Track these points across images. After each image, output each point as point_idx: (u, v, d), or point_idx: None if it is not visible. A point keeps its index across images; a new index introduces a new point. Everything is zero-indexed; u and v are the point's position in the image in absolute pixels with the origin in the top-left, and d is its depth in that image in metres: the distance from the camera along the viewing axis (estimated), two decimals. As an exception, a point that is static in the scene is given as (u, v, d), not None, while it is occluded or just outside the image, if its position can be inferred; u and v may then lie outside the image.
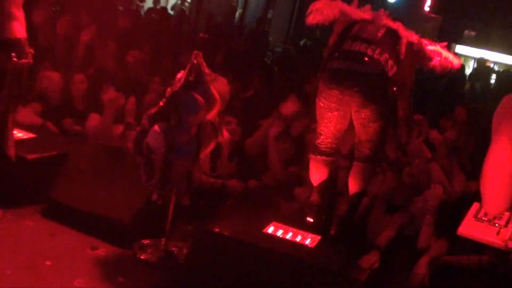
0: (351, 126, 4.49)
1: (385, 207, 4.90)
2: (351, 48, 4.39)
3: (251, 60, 10.62)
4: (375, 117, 4.34)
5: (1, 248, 4.52)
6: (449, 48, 18.97)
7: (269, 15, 19.97)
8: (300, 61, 11.63)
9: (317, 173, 4.64)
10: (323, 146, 4.55)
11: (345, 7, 4.62)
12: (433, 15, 15.23)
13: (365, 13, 4.60)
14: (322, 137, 4.54)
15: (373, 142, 4.48)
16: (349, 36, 4.49)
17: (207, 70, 4.63)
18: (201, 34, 11.66)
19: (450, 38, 18.43)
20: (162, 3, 18.16)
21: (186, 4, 18.55)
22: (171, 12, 17.29)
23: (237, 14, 18.01)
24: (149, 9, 16.28)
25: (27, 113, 5.96)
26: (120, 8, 14.40)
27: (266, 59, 14.01)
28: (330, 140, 4.53)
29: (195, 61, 4.54)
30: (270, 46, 16.31)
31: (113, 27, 9.34)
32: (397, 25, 4.52)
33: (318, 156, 4.58)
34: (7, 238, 4.67)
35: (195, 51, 4.60)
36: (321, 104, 4.45)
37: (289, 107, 6.07)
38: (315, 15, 4.63)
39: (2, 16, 4.40)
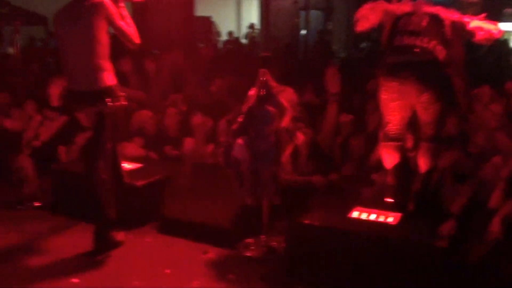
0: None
1: (454, 178, 4.78)
2: (402, 43, 4.38)
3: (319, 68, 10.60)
4: (434, 100, 4.31)
5: (127, 264, 4.68)
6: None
7: (329, 27, 19.88)
8: (362, 62, 11.54)
9: (389, 158, 4.62)
10: (391, 133, 4.54)
11: (387, 6, 4.56)
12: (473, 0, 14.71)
13: (405, 6, 4.52)
14: (389, 125, 4.53)
15: (435, 123, 4.43)
16: (397, 31, 4.45)
17: (274, 84, 4.67)
18: (263, 53, 11.75)
19: (492, 17, 17.90)
20: (236, 34, 18.41)
21: (256, 30, 18.68)
22: (244, 41, 17.50)
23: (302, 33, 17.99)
24: (226, 41, 16.55)
25: (131, 147, 6.17)
26: (201, 45, 14.74)
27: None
28: (396, 127, 4.51)
29: (263, 78, 4.60)
30: (336, 54, 16.22)
31: (197, 61, 9.54)
32: (436, 9, 4.44)
33: (389, 142, 4.57)
34: (131, 254, 4.83)
35: (262, 69, 4.66)
36: (384, 96, 4.47)
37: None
38: (362, 23, 4.60)
39: (93, 70, 4.59)
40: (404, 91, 4.33)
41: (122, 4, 4.74)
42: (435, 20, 4.39)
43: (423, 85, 4.26)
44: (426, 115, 4.41)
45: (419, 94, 4.29)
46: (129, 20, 4.73)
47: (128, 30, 4.68)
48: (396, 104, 4.41)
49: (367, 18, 4.57)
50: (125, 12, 4.76)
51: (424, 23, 4.38)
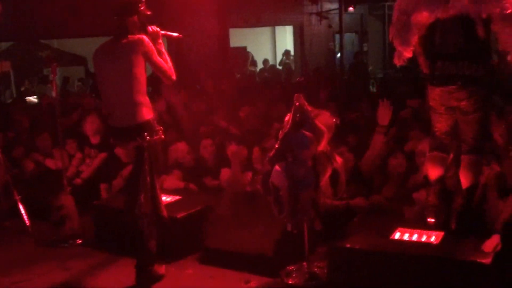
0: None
1: (497, 193, 4.68)
2: (444, 73, 4.32)
3: (356, 90, 10.62)
4: (473, 108, 4.26)
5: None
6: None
7: (365, 48, 19.85)
8: (401, 80, 11.49)
9: (433, 170, 4.57)
10: (437, 142, 4.51)
11: (415, 19, 4.44)
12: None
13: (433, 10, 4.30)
14: (437, 133, 4.52)
15: (476, 132, 4.36)
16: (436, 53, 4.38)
17: (309, 108, 4.66)
18: (298, 79, 11.81)
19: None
20: (271, 62, 18.53)
21: (291, 57, 18.77)
22: (280, 67, 17.60)
23: (337, 56, 18.00)
24: (261, 70, 16.69)
25: (171, 180, 6.23)
26: (238, 75, 14.89)
27: (370, 86, 13.93)
28: (443, 136, 4.49)
29: (297, 103, 4.59)
30: (372, 75, 16.19)
31: (232, 91, 9.64)
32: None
33: (434, 152, 4.54)
34: (173, 287, 4.84)
35: (296, 94, 4.66)
36: (432, 104, 4.48)
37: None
38: (402, 55, 4.54)
39: (132, 105, 4.67)
40: (448, 99, 4.31)
41: (160, 41, 4.82)
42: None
43: (464, 93, 4.23)
44: (466, 124, 4.36)
45: (460, 102, 4.27)
46: (167, 56, 4.81)
47: (165, 66, 4.74)
48: (443, 112, 4.41)
49: (405, 41, 4.49)
50: (163, 48, 4.83)
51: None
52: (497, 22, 4.03)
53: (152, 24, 4.79)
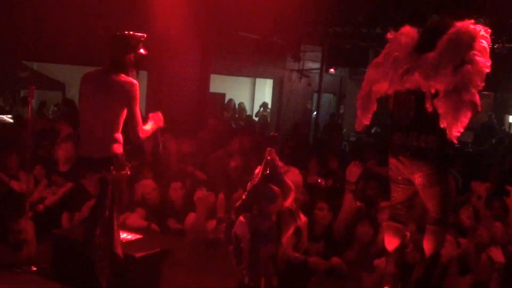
0: None
1: (458, 269, 4.74)
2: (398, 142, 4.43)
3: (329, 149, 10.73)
4: (428, 182, 4.31)
5: None
6: (502, 118, 18.77)
7: (341, 110, 20.14)
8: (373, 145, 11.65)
9: (390, 239, 4.62)
10: (393, 212, 4.59)
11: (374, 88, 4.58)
12: (485, 92, 15.05)
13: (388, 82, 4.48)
14: (394, 203, 4.60)
15: (436, 207, 4.40)
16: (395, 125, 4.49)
17: (280, 164, 4.70)
18: (272, 133, 11.95)
19: (502, 110, 18.34)
20: (248, 112, 18.66)
21: (268, 110, 18.93)
22: (256, 119, 17.73)
23: (313, 114, 18.20)
24: (237, 117, 16.79)
25: (134, 218, 6.17)
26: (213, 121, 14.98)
27: (343, 147, 14.10)
28: (398, 206, 4.58)
29: (269, 157, 4.63)
30: (345, 137, 16.38)
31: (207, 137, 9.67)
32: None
33: (392, 223, 4.59)
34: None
35: (268, 148, 4.70)
36: (390, 174, 4.58)
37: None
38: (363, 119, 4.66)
39: (107, 140, 4.66)
40: (403, 170, 4.41)
41: None
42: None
43: (415, 165, 4.31)
44: (425, 198, 4.42)
45: (413, 174, 4.35)
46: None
47: (140, 122, 4.74)
48: (400, 182, 4.50)
49: (365, 110, 4.63)
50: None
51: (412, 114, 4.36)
52: (440, 98, 4.14)
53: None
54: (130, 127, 4.75)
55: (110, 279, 4.70)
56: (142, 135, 4.78)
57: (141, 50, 4.77)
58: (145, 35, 4.79)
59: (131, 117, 4.69)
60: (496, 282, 4.40)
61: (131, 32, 4.76)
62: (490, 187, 6.08)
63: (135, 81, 4.68)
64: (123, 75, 4.66)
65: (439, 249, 4.54)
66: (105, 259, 4.69)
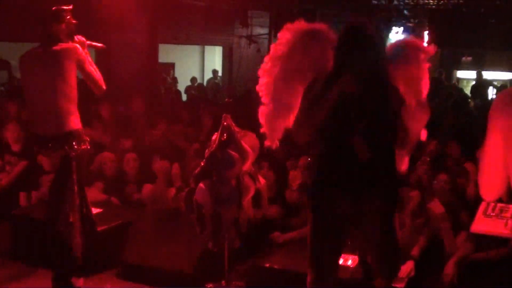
0: None
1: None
2: None
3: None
4: None
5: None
6: (450, 74, 19.12)
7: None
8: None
9: None
10: None
11: None
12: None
13: None
14: None
15: None
16: None
17: (236, 129, 4.73)
18: (226, 99, 11.94)
19: (451, 66, 18.67)
20: (199, 80, 18.54)
21: (218, 77, 18.85)
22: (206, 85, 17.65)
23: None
24: (188, 87, 16.66)
25: (93, 192, 6.11)
26: (163, 90, 14.85)
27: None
28: None
29: (225, 123, 4.66)
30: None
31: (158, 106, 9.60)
32: None
33: None
34: (90, 302, 4.75)
35: (224, 114, 4.72)
36: None
37: None
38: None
39: (61, 113, 4.58)
40: None
41: (86, 51, 4.78)
42: None
43: None
44: None
45: None
46: (95, 66, 4.78)
47: (96, 76, 4.70)
48: None
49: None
50: (90, 58, 4.80)
51: None
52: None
53: (78, 34, 4.77)
54: (92, 87, 4.73)
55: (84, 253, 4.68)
56: (104, 87, 4.76)
57: (71, 19, 4.71)
58: (71, 6, 4.73)
59: (88, 78, 4.67)
60: (446, 231, 4.53)
61: (58, 6, 4.70)
62: (437, 144, 6.11)
63: (75, 44, 4.61)
64: (61, 44, 4.60)
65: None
66: (79, 235, 4.63)
